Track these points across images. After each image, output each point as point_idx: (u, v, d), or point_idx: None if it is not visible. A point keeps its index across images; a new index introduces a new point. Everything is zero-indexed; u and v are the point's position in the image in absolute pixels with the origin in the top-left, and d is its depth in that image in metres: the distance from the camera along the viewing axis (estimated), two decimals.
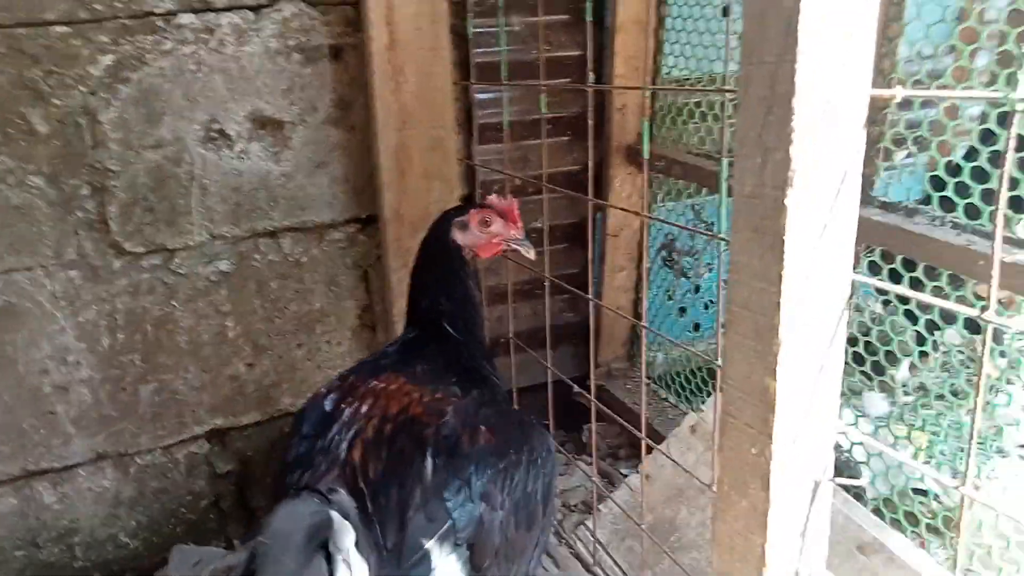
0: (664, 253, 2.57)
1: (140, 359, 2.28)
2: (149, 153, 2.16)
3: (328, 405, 1.52)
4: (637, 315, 2.75)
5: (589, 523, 1.97)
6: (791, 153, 0.92)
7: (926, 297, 1.60)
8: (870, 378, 1.84)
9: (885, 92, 0.95)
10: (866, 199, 1.76)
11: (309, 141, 2.32)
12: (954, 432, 1.92)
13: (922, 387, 2.01)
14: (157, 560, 2.41)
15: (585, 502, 2.27)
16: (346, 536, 1.20)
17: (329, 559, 1.18)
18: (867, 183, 1.77)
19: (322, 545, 1.18)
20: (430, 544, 1.30)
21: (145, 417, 2.32)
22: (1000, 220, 0.85)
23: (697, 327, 2.83)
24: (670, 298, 2.78)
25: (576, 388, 1.99)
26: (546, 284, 2.23)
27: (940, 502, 1.78)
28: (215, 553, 2.45)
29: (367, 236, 2.45)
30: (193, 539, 2.45)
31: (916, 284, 1.68)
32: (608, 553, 1.90)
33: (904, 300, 1.70)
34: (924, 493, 1.80)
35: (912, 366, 1.73)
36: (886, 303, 1.77)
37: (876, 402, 1.85)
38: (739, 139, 1.00)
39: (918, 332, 1.67)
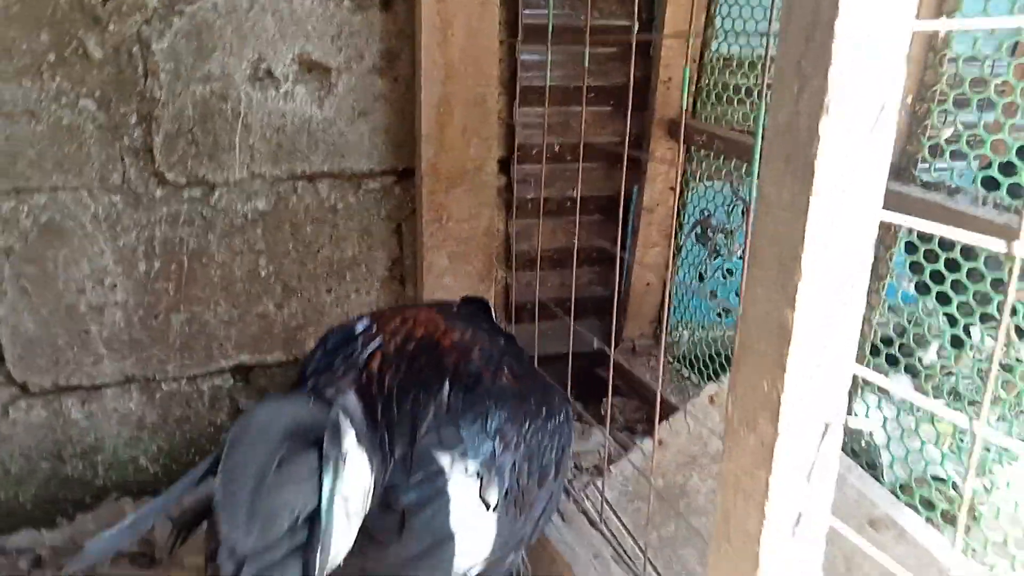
0: (698, 230, 2.55)
1: (173, 288, 2.33)
2: (197, 87, 2.20)
3: (358, 328, 1.54)
4: (667, 293, 2.74)
5: (599, 483, 1.97)
6: (829, 78, 0.91)
7: (954, 232, 1.57)
8: (896, 361, 1.81)
9: (930, 24, 0.93)
10: (909, 178, 1.74)
11: (353, 89, 2.34)
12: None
13: (954, 392, 1.97)
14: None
15: (597, 466, 2.27)
16: (345, 434, 1.19)
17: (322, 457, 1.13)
18: (911, 161, 1.75)
19: (316, 443, 1.14)
20: (443, 462, 1.30)
21: (174, 346, 2.37)
22: None
23: (728, 312, 2.80)
24: (701, 278, 2.75)
25: (598, 343, 1.99)
26: (574, 253, 2.21)
27: (958, 490, 1.74)
28: None
29: (402, 189, 2.47)
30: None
31: (952, 264, 1.65)
32: (615, 512, 1.90)
33: (938, 280, 1.67)
34: (943, 480, 1.77)
35: (940, 349, 1.70)
36: (918, 286, 1.74)
37: (901, 383, 1.82)
38: (777, 71, 0.99)
39: (949, 315, 1.64)
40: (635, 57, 2.21)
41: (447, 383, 1.39)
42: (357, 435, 1.21)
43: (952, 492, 1.72)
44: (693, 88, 2.47)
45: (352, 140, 2.37)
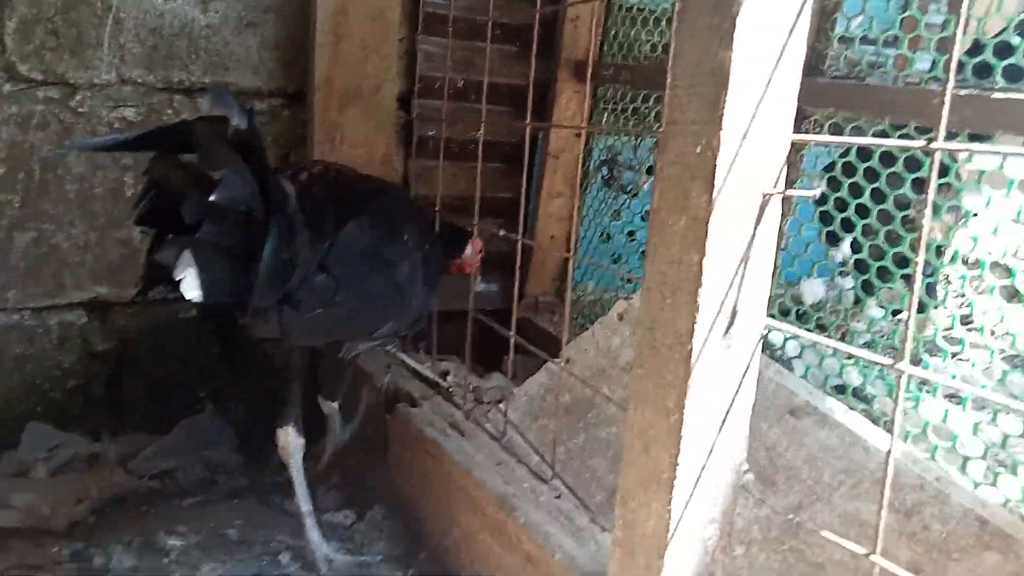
0: (604, 170, 2.47)
1: (20, 201, 2.04)
2: None
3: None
4: (571, 247, 2.63)
5: (502, 406, 1.81)
6: None
7: (870, 141, 1.54)
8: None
9: None
10: (818, 74, 1.71)
11: None
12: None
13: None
14: (8, 441, 2.10)
15: (500, 400, 2.09)
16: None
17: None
18: (819, 56, 1.73)
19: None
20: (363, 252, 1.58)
21: (17, 269, 2.07)
22: None
23: (630, 281, 2.70)
24: (604, 240, 2.67)
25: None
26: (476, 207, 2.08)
27: (860, 397, 1.68)
28: (78, 442, 2.17)
29: (292, 114, 2.29)
30: (53, 423, 2.16)
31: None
32: (519, 431, 1.73)
33: (850, 173, 1.64)
34: (843, 390, 1.70)
35: (854, 243, 1.65)
36: (831, 180, 1.70)
37: (813, 287, 1.77)
38: None
39: (863, 205, 1.60)
40: None
41: (364, 200, 1.65)
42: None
43: (851, 400, 1.66)
44: (599, 31, 2.42)
45: (238, 52, 2.18)
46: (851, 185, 1.63)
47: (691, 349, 0.95)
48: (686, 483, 0.98)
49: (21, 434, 2.09)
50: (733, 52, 0.87)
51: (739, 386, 0.99)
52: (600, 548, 1.30)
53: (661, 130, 0.98)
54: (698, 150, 0.92)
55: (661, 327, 0.99)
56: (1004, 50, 1.39)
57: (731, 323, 0.96)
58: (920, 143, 0.81)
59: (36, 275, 2.08)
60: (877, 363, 0.87)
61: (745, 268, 0.95)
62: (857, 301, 1.73)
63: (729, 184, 0.91)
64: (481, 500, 1.55)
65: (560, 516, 1.42)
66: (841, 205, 1.64)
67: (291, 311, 1.45)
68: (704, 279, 0.93)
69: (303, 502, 1.74)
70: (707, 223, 0.91)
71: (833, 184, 1.69)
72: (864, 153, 1.59)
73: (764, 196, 0.93)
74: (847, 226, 1.66)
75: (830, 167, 1.73)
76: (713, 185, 0.90)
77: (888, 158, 1.59)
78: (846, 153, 1.69)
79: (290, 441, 1.71)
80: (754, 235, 0.94)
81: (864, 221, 1.61)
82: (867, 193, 1.59)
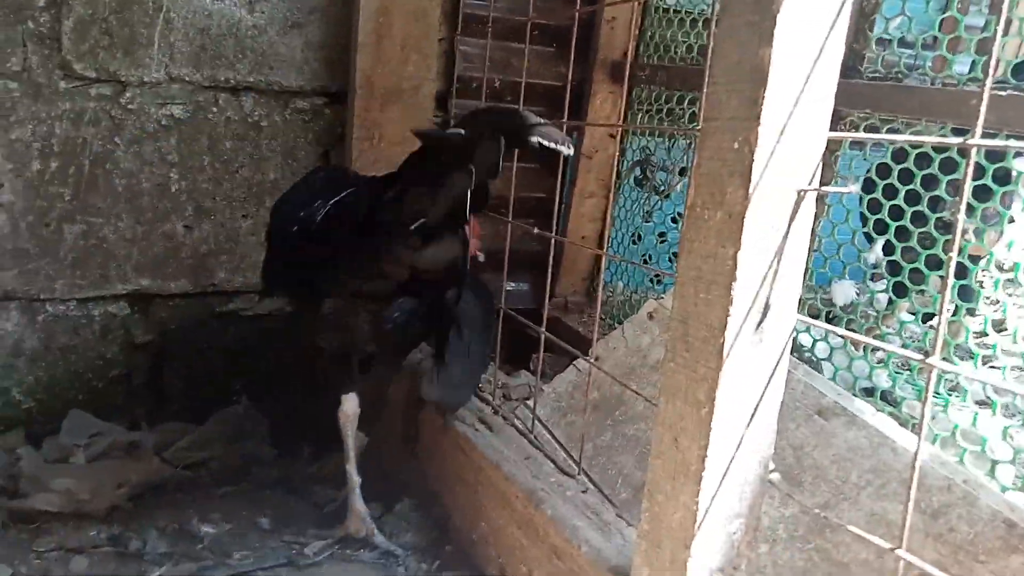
0: (637, 171, 2.49)
1: (70, 194, 2.11)
2: None
3: None
4: (603, 247, 2.65)
5: (530, 403, 1.83)
6: None
7: (906, 138, 1.54)
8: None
9: None
10: (856, 75, 1.72)
11: None
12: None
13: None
14: (50, 428, 2.17)
15: (527, 397, 2.12)
16: None
17: None
18: (857, 57, 1.73)
19: None
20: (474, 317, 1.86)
21: (65, 261, 2.13)
22: None
23: (659, 280, 2.72)
24: (634, 241, 2.69)
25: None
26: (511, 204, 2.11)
27: (889, 401, 1.68)
28: (117, 430, 2.23)
29: (333, 112, 2.33)
30: (94, 411, 2.23)
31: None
32: (546, 427, 1.76)
33: (884, 175, 1.64)
34: (871, 393, 1.69)
35: (887, 244, 1.65)
36: (866, 182, 1.70)
37: (844, 289, 1.77)
38: None
39: (897, 206, 1.60)
40: None
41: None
42: None
43: (880, 403, 1.65)
44: (636, 33, 2.44)
45: (283, 52, 2.23)
46: (886, 187, 1.63)
47: (723, 342, 0.96)
48: (714, 476, 1.00)
49: (63, 422, 2.16)
50: (773, 49, 0.89)
51: (769, 381, 1.01)
52: (626, 542, 1.32)
53: (699, 127, 1.00)
54: (735, 146, 0.94)
55: (694, 320, 1.00)
56: None
57: (763, 317, 0.97)
58: (958, 140, 0.82)
59: (83, 267, 2.15)
60: (907, 358, 0.88)
61: (779, 263, 0.96)
62: (889, 303, 1.73)
63: (765, 180, 0.93)
64: (509, 494, 1.57)
65: (587, 510, 1.44)
66: (875, 206, 1.64)
67: (444, 369, 1.75)
68: (738, 273, 0.94)
69: (353, 471, 1.80)
70: (743, 218, 0.93)
71: (868, 186, 1.69)
72: (899, 155, 1.59)
73: (799, 193, 0.95)
74: (880, 228, 1.66)
75: (868, 170, 1.73)
76: (750, 181, 0.92)
77: (924, 160, 1.58)
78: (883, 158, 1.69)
79: (352, 407, 1.79)
80: (788, 231, 0.96)
81: (898, 223, 1.61)
82: (901, 195, 1.59)
